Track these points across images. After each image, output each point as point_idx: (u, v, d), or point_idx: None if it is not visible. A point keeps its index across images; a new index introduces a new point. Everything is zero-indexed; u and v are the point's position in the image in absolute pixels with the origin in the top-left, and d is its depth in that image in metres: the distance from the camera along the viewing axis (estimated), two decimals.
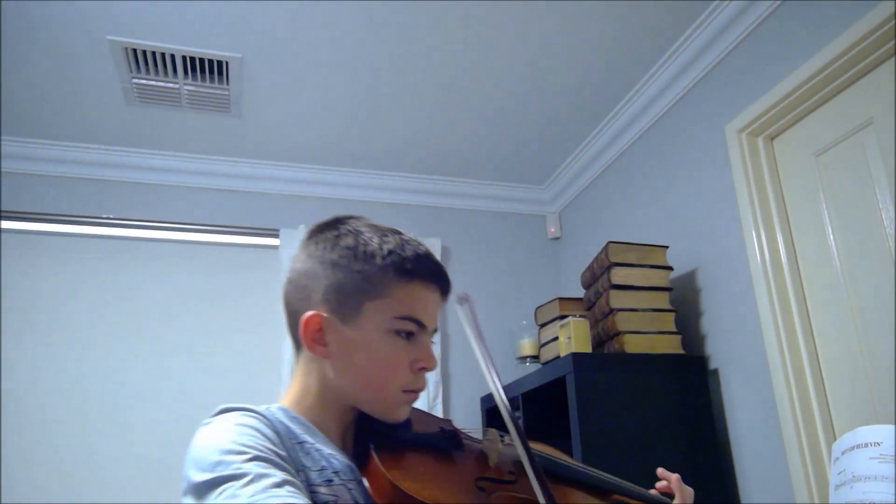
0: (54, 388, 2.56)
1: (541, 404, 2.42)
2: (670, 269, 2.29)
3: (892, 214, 1.68)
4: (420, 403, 3.15)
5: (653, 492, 1.02)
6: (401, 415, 0.85)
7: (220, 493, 0.65)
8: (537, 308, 2.64)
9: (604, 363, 2.12)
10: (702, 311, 2.27)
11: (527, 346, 2.78)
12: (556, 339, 2.38)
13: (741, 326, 2.07)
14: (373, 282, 0.83)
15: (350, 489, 0.77)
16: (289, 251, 2.79)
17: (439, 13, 2.13)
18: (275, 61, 2.34)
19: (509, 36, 2.25)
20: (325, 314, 0.83)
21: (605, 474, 1.00)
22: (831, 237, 1.86)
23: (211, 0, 2.05)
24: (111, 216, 2.77)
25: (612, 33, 2.26)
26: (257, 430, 0.73)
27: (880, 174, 1.71)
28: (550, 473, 0.93)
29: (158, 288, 2.80)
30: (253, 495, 0.63)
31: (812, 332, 1.91)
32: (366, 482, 0.78)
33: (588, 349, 2.18)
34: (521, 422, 2.50)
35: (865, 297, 1.75)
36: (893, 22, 1.62)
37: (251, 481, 0.65)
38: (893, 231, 1.67)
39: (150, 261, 2.82)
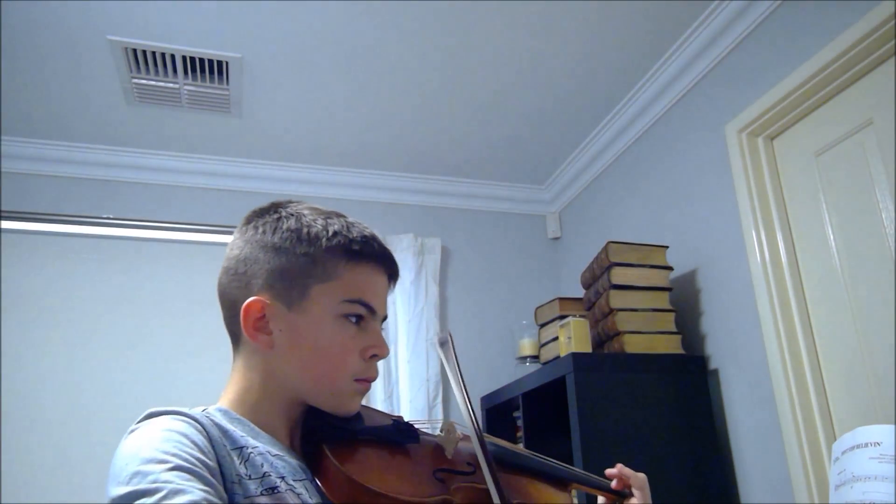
0: (55, 388, 2.56)
1: (541, 404, 2.42)
2: (670, 269, 2.29)
3: (892, 214, 1.68)
4: (420, 403, 3.13)
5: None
6: (353, 407, 0.81)
7: None
8: (537, 308, 2.64)
9: (604, 363, 2.12)
10: (702, 311, 2.27)
11: (527, 346, 2.78)
12: (556, 339, 2.38)
13: (741, 326, 2.07)
14: (320, 264, 0.79)
15: (299, 493, 0.71)
16: None
17: (439, 13, 2.13)
18: (275, 61, 2.34)
19: (510, 36, 2.25)
20: (268, 300, 0.78)
21: (564, 464, 0.99)
22: (831, 237, 1.86)
23: (211, 0, 2.05)
24: (111, 216, 2.77)
25: (612, 33, 2.26)
26: (185, 435, 0.67)
27: (880, 174, 1.71)
28: (509, 464, 0.92)
29: (159, 288, 2.80)
30: None
31: (812, 332, 1.91)
32: (318, 482, 0.75)
33: (588, 349, 2.18)
34: (520, 422, 2.51)
35: (865, 297, 1.75)
36: (893, 22, 1.62)
37: (164, 497, 0.58)
38: (893, 231, 1.67)
39: (151, 261, 2.82)
